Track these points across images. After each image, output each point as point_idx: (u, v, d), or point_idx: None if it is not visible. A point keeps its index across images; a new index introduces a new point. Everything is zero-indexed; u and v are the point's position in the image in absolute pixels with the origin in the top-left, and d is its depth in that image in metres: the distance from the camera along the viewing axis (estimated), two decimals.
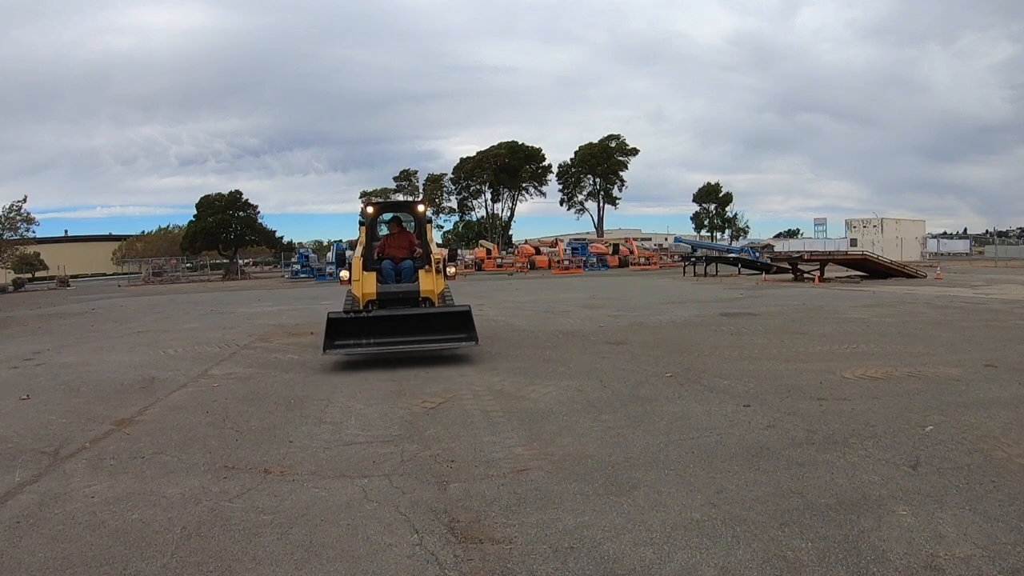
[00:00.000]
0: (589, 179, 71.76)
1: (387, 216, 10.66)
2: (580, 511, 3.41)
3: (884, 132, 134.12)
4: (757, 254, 35.52)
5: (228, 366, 8.45)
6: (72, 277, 51.49)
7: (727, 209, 77.22)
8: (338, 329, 8.03)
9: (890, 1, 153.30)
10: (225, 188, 68.46)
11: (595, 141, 71.06)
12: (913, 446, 4.27)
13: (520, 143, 70.95)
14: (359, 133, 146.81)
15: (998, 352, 7.68)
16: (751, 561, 2.82)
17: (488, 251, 49.71)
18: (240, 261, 54.29)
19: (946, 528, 3.07)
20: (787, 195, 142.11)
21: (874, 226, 55.18)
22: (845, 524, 3.14)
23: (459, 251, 52.72)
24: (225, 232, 51.89)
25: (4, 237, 43.67)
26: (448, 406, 5.84)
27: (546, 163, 72.07)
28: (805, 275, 24.43)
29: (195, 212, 52.78)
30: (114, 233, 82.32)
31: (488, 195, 71.83)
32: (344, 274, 9.30)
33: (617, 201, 72.52)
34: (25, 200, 44.09)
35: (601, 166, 69.69)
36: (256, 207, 53.88)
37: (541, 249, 48.88)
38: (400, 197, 66.91)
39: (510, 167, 68.49)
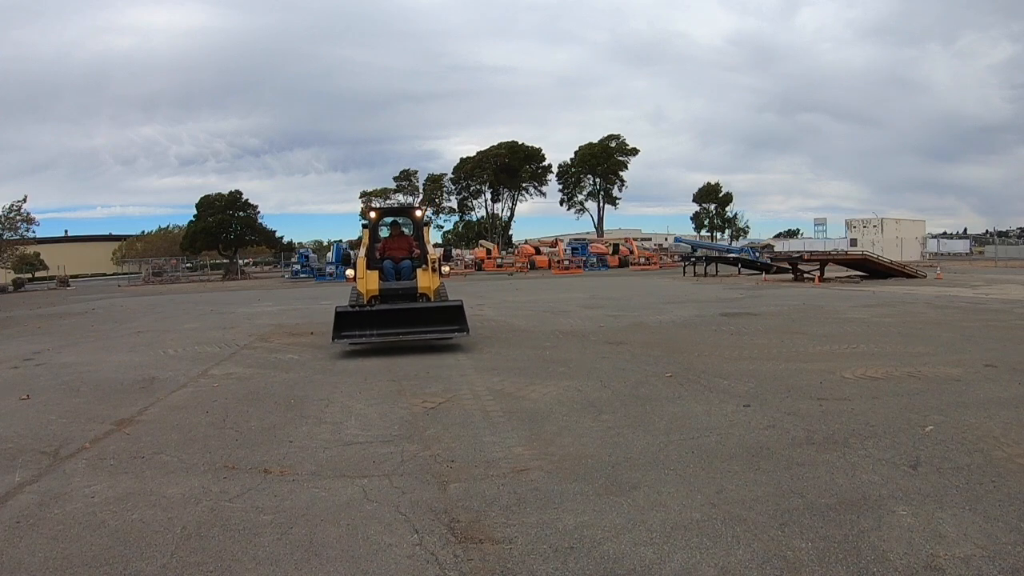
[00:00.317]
0: (589, 179, 71.77)
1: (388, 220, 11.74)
2: (580, 511, 3.41)
3: (884, 132, 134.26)
4: (757, 254, 35.49)
5: (228, 366, 8.45)
6: (72, 277, 51.50)
7: (727, 209, 77.29)
8: (345, 321, 8.96)
9: (890, 1, 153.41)
10: (225, 188, 68.52)
11: (595, 141, 71.10)
12: (913, 446, 4.27)
13: (520, 143, 70.96)
14: (359, 133, 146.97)
15: (998, 352, 7.68)
16: (751, 561, 2.82)
17: (488, 251, 49.72)
18: (240, 261, 54.29)
19: (946, 528, 3.07)
20: (787, 195, 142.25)
21: (874, 226, 55.17)
22: (845, 524, 3.14)
23: (460, 251, 53.33)
24: (225, 232, 51.88)
25: (4, 237, 43.65)
26: (448, 406, 5.84)
27: (546, 163, 72.17)
28: (805, 275, 24.43)
29: (195, 212, 52.79)
30: (114, 233, 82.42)
31: (488, 195, 71.88)
32: (350, 272, 10.46)
33: (617, 201, 72.63)
34: (25, 200, 44.11)
35: (601, 166, 69.69)
36: (256, 207, 53.92)
37: (541, 249, 48.88)
38: (400, 197, 68.37)
39: (510, 167, 68.49)
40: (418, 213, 11.56)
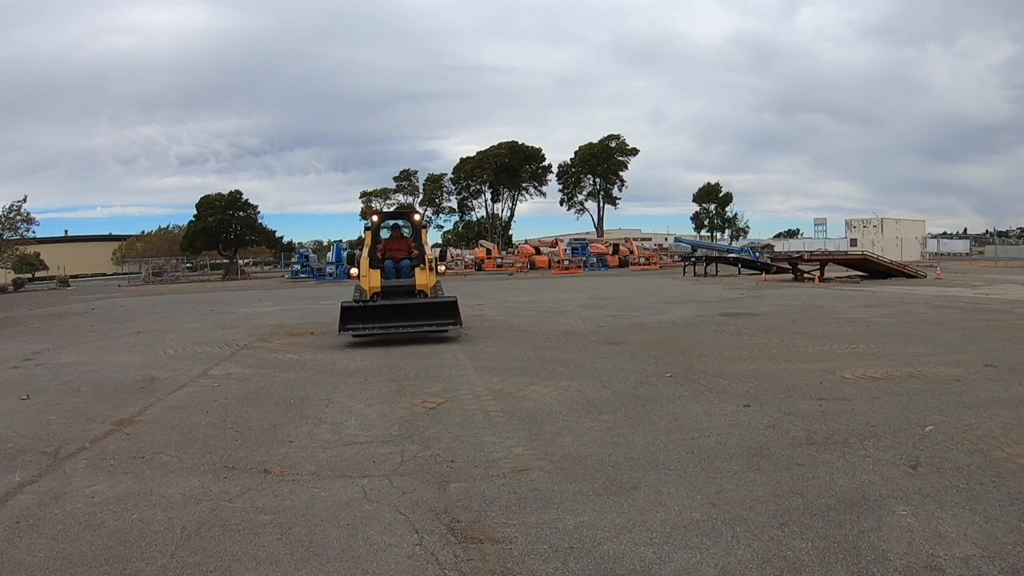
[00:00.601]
0: (589, 179, 71.70)
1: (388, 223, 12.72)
2: (580, 511, 3.41)
3: (884, 132, 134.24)
4: (757, 254, 35.49)
5: (228, 366, 8.45)
6: (72, 277, 51.49)
7: (727, 209, 77.21)
8: (350, 315, 9.89)
9: (890, 1, 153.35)
10: (225, 188, 68.47)
11: (595, 141, 71.01)
12: (913, 446, 4.27)
13: (520, 143, 70.89)
14: (359, 133, 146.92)
15: (998, 352, 7.68)
16: (751, 561, 2.82)
17: (488, 251, 49.71)
18: (240, 261, 54.28)
19: (946, 528, 3.07)
20: (787, 195, 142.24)
21: (874, 226, 55.16)
22: (845, 524, 3.14)
23: (460, 251, 53.47)
24: (225, 232, 51.86)
25: (4, 237, 43.60)
26: (448, 406, 5.84)
27: (546, 163, 72.06)
28: (805, 275, 24.43)
29: (195, 212, 52.76)
30: (114, 233, 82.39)
31: (488, 195, 71.82)
32: (354, 271, 11.52)
33: (617, 201, 72.54)
34: (25, 200, 44.00)
35: (601, 166, 69.64)
36: (256, 207, 53.90)
37: (541, 249, 48.87)
38: (400, 197, 68.69)
39: (510, 167, 68.44)
40: (417, 217, 12.63)
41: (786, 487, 3.64)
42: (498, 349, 9.14)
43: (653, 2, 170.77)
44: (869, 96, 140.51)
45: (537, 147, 71.78)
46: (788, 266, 27.21)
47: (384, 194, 71.10)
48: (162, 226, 78.75)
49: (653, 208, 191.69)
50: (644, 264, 44.36)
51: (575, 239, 56.60)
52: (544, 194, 73.90)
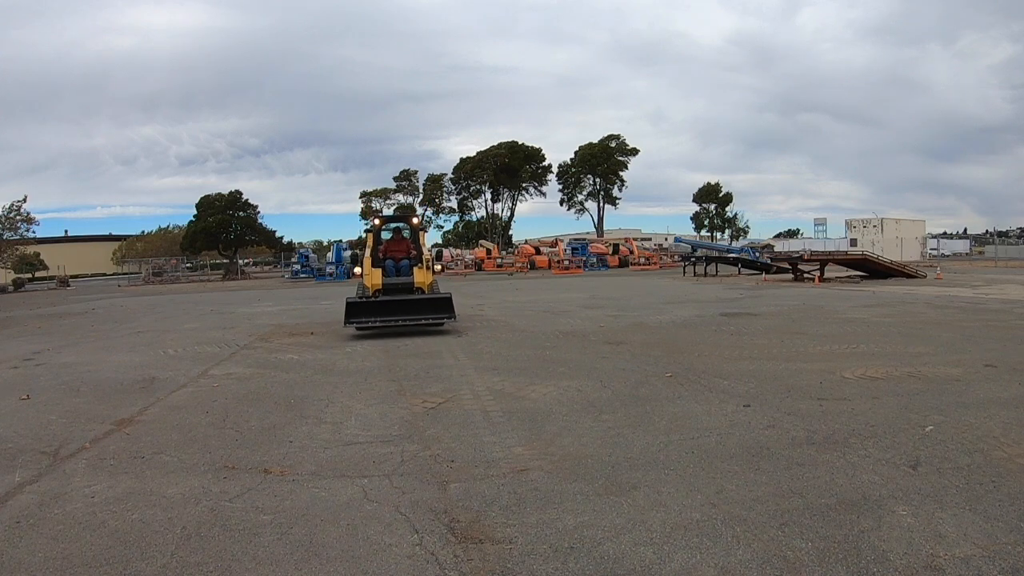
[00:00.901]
0: (589, 179, 71.68)
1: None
2: (580, 511, 3.41)
3: (884, 132, 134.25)
4: (757, 254, 35.48)
5: (228, 366, 8.45)
6: (72, 277, 51.48)
7: (727, 209, 77.17)
8: (354, 310, 10.83)
9: (891, 1, 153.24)
10: (225, 188, 68.52)
11: (595, 141, 71.00)
12: (913, 446, 4.27)
13: (520, 143, 70.86)
14: (359, 133, 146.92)
15: (998, 352, 7.68)
16: (751, 561, 2.82)
17: (488, 251, 49.68)
18: (240, 261, 54.27)
19: (946, 528, 3.07)
20: (787, 195, 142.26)
21: (874, 226, 55.14)
22: (845, 524, 3.15)
23: (460, 251, 53.62)
24: (225, 232, 51.84)
25: (4, 237, 43.60)
26: (448, 406, 5.84)
27: (546, 163, 72.03)
28: (805, 275, 24.43)
29: (195, 212, 52.73)
30: (114, 233, 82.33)
31: (488, 195, 71.80)
32: (357, 269, 12.82)
33: (617, 201, 72.51)
34: (25, 200, 44.00)
35: (601, 166, 69.62)
36: (256, 207, 53.86)
37: (541, 249, 48.85)
38: (400, 197, 69.10)
39: (510, 167, 68.42)
40: (415, 220, 13.89)
41: (786, 487, 3.64)
42: (498, 349, 9.14)
43: (653, 2, 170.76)
44: (869, 96, 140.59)
45: (537, 147, 71.84)
46: (788, 266, 27.21)
47: (384, 194, 71.09)
48: (162, 226, 78.84)
49: (653, 208, 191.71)
50: (644, 264, 44.35)
51: (575, 239, 56.59)
52: (544, 194, 73.98)
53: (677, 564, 2.83)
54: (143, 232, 78.80)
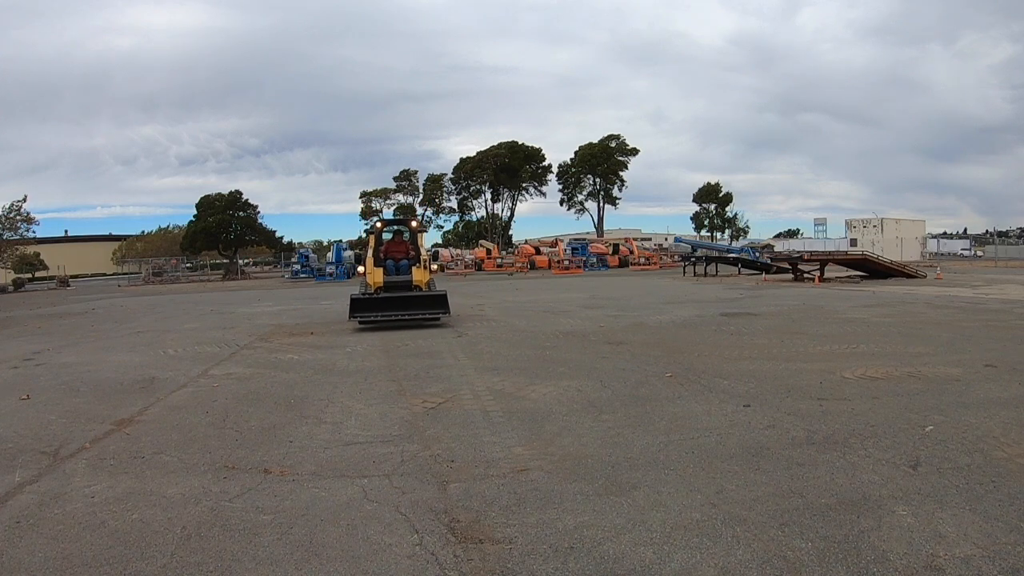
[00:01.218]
0: (589, 179, 71.67)
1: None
2: (580, 511, 3.41)
3: (884, 132, 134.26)
4: (757, 254, 35.51)
5: (228, 366, 8.45)
6: (72, 277, 51.48)
7: (727, 209, 77.15)
8: (357, 305, 11.91)
9: (891, 1, 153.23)
10: (225, 188, 68.46)
11: (595, 141, 70.99)
12: (913, 446, 4.27)
13: (520, 143, 70.85)
14: (359, 133, 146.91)
15: (998, 352, 7.68)
16: (751, 561, 2.82)
17: (488, 251, 49.69)
18: (240, 261, 54.28)
19: (946, 528, 3.07)
20: (787, 195, 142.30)
21: (874, 226, 55.18)
22: (845, 524, 3.14)
23: (460, 251, 53.84)
24: (225, 232, 51.85)
25: (4, 237, 43.63)
26: (448, 406, 5.84)
27: (546, 163, 72.04)
28: (805, 275, 24.43)
29: (195, 212, 52.76)
30: (114, 233, 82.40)
31: (488, 195, 71.81)
32: (360, 268, 13.80)
33: (617, 201, 72.52)
34: (25, 200, 44.06)
35: (601, 166, 69.62)
36: (256, 207, 53.89)
37: (541, 249, 48.87)
38: (400, 197, 69.72)
39: (510, 167, 68.42)
40: (414, 223, 15.22)
41: (786, 487, 3.64)
42: (498, 349, 9.14)
43: (653, 2, 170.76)
44: (869, 96, 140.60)
45: (537, 147, 71.84)
46: (788, 266, 27.22)
47: (384, 194, 71.08)
48: (162, 226, 78.89)
49: (653, 208, 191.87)
50: (644, 264, 44.35)
51: (575, 239, 56.60)
52: (544, 194, 73.99)
53: (677, 564, 2.83)
54: (143, 232, 78.95)
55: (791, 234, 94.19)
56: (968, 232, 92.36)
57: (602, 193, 71.88)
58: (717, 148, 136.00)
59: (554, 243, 52.28)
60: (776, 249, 52.02)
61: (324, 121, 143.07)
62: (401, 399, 6.19)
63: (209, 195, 52.94)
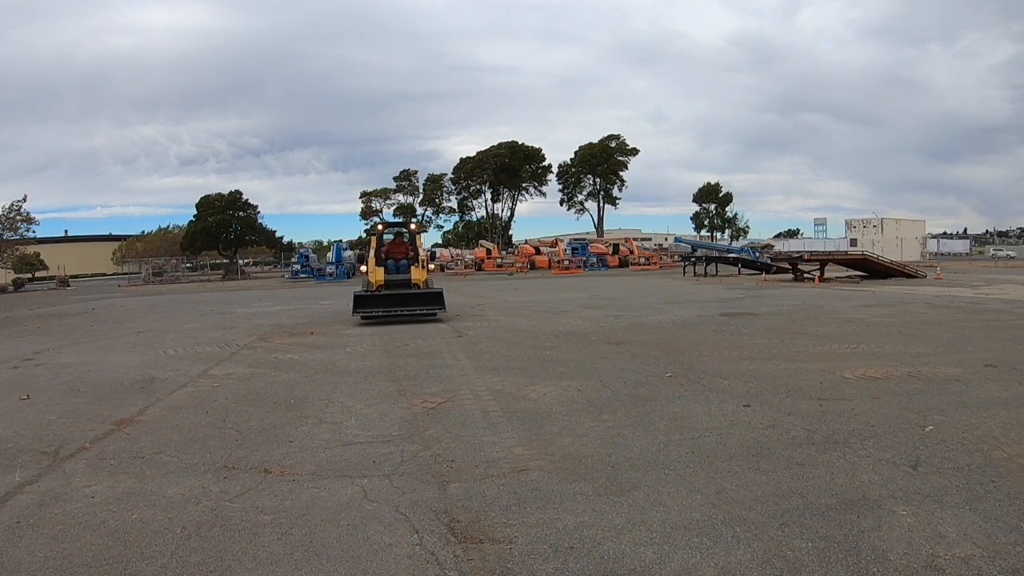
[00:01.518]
0: (589, 179, 71.70)
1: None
2: (580, 511, 3.41)
3: (884, 132, 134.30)
4: (757, 254, 35.52)
5: (228, 366, 8.45)
6: (72, 277, 51.48)
7: (727, 209, 77.18)
8: (360, 302, 13.02)
9: (891, 1, 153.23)
10: (225, 188, 68.53)
11: (595, 141, 71.03)
12: (913, 446, 4.27)
13: (520, 143, 70.90)
14: (359, 133, 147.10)
15: (998, 352, 7.68)
16: (751, 561, 2.82)
17: (488, 251, 49.68)
18: (240, 261, 54.27)
19: (946, 528, 3.07)
20: (787, 195, 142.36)
21: (874, 226, 55.16)
22: (845, 524, 3.14)
23: (460, 251, 53.90)
24: (225, 232, 51.83)
25: (4, 237, 43.60)
26: (448, 406, 5.84)
27: (546, 163, 72.09)
28: (805, 275, 24.43)
29: (195, 212, 52.73)
30: (114, 233, 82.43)
31: (488, 195, 71.82)
32: (363, 268, 14.85)
33: (617, 201, 72.57)
34: (25, 200, 44.02)
35: (601, 166, 69.64)
36: (256, 207, 53.87)
37: (541, 249, 48.86)
38: (400, 197, 70.04)
39: (510, 167, 68.44)
40: (413, 226, 16.26)
41: (786, 487, 3.64)
42: (498, 349, 9.14)
43: (653, 2, 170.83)
44: (869, 96, 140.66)
45: (537, 147, 71.91)
46: (788, 266, 27.22)
47: (384, 194, 71.14)
48: (162, 226, 78.97)
49: (653, 208, 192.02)
50: (644, 264, 44.35)
51: (575, 239, 56.60)
52: (544, 194, 74.04)
53: (677, 564, 2.83)
54: (143, 232, 79.03)
55: (791, 234, 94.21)
56: (968, 232, 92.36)
57: (602, 193, 71.90)
58: (717, 148, 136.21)
59: (554, 243, 52.28)
60: (776, 249, 51.98)
61: (324, 121, 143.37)
62: (401, 399, 6.19)
63: (209, 195, 52.95)
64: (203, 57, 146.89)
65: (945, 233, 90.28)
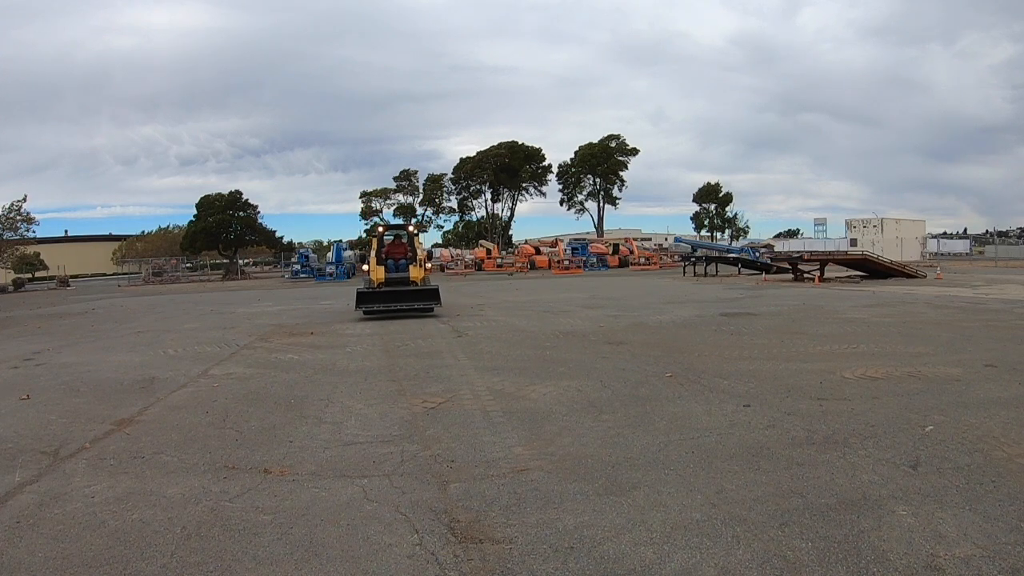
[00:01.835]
0: (589, 179, 71.66)
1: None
2: (580, 511, 3.41)
3: (884, 132, 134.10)
4: (757, 254, 35.48)
5: (228, 366, 8.45)
6: (72, 277, 51.48)
7: (727, 209, 77.10)
8: (362, 298, 14.10)
9: (891, 1, 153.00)
10: (225, 188, 68.32)
11: (595, 141, 70.96)
12: (913, 446, 4.27)
13: (520, 143, 70.80)
14: (359, 133, 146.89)
15: (998, 352, 7.68)
16: (751, 561, 2.82)
17: (488, 251, 49.68)
18: (240, 261, 54.27)
19: (946, 528, 3.07)
20: (787, 195, 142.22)
21: (874, 226, 55.12)
22: (845, 524, 3.15)
23: (460, 251, 54.08)
24: (225, 232, 51.83)
25: (4, 237, 43.62)
26: (448, 406, 5.84)
27: (546, 163, 72.00)
28: (805, 275, 24.43)
29: (195, 212, 52.72)
30: (114, 233, 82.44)
31: (488, 195, 71.78)
32: (364, 267, 15.94)
33: (617, 201, 72.47)
34: (25, 200, 44.04)
35: (601, 166, 69.60)
36: (256, 207, 53.86)
37: (541, 249, 48.85)
38: (400, 197, 70.23)
39: (510, 167, 68.39)
40: (411, 228, 17.49)
41: (786, 487, 3.64)
42: (498, 349, 9.14)
43: (653, 2, 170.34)
44: (869, 96, 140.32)
45: (537, 147, 71.80)
46: (788, 266, 27.21)
47: (384, 194, 71.09)
48: (162, 226, 78.94)
49: (653, 208, 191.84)
50: (644, 264, 44.34)
51: (575, 239, 56.58)
52: (544, 194, 73.96)
53: (677, 564, 2.83)
54: (143, 232, 79.00)
55: (791, 234, 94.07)
56: (968, 232, 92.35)
57: (602, 193, 71.86)
58: (717, 148, 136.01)
59: (554, 243, 52.26)
60: (776, 249, 51.97)
61: (324, 121, 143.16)
62: (401, 399, 6.19)
63: (209, 195, 52.94)
64: (203, 57, 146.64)
65: (945, 233, 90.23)
